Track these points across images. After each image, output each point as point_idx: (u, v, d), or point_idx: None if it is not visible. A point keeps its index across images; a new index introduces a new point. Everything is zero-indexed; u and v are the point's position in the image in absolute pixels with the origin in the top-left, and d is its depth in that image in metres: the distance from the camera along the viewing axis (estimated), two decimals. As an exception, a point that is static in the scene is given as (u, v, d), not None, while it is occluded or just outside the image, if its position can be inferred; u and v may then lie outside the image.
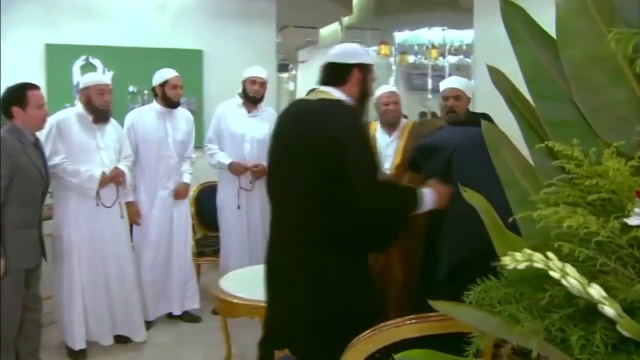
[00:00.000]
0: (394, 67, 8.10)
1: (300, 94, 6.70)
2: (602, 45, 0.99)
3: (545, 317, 0.90)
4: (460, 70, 8.07)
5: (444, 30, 7.06)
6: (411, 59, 7.62)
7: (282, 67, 7.31)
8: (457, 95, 3.45)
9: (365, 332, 1.61)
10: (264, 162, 4.43)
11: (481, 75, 4.80)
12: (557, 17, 1.03)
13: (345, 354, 1.62)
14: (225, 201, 4.45)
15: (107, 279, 3.67)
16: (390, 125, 4.13)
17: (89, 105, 3.61)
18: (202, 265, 4.75)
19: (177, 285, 4.17)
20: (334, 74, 2.23)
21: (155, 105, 4.13)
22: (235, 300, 3.07)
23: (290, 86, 7.94)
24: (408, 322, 1.62)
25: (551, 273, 0.84)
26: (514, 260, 0.85)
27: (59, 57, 5.10)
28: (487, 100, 4.24)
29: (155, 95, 4.13)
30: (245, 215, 4.42)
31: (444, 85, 3.60)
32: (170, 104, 4.10)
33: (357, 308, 2.03)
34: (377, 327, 1.60)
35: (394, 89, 4.63)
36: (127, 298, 3.76)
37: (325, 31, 7.58)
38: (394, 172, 4.02)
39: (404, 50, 7.53)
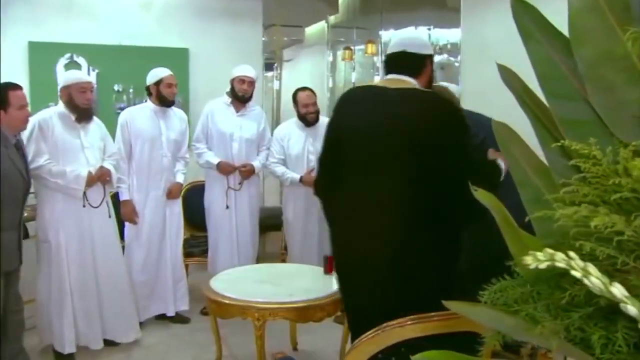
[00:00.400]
0: (378, 66, 8.10)
1: (286, 92, 6.65)
2: (616, 44, 0.98)
3: (564, 317, 0.89)
4: (444, 69, 8.11)
5: (429, 29, 7.07)
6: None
7: (267, 66, 7.27)
8: None
9: (368, 333, 1.59)
10: (252, 162, 4.41)
11: (468, 74, 4.82)
12: (569, 15, 1.02)
13: (348, 354, 1.61)
14: (214, 201, 4.42)
15: (97, 280, 3.61)
16: None
17: (70, 103, 3.53)
18: (188, 266, 4.70)
19: (169, 286, 4.13)
20: (410, 63, 2.26)
21: (149, 104, 4.10)
22: (227, 301, 3.05)
23: (275, 85, 7.89)
24: (410, 322, 1.60)
25: (573, 272, 0.83)
26: (536, 259, 0.84)
27: (42, 55, 5.01)
28: (474, 100, 4.27)
29: (150, 95, 4.09)
30: (234, 216, 4.40)
31: None
32: (165, 102, 4.07)
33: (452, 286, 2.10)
34: (380, 327, 1.59)
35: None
36: (119, 299, 3.71)
37: (311, 30, 7.55)
38: None
39: (390, 49, 7.52)
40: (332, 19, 6.84)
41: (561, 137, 1.05)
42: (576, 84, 1.02)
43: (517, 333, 0.93)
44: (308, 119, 4.39)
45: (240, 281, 3.35)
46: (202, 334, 3.97)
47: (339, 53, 7.58)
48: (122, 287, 3.74)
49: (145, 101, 4.26)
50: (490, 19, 4.51)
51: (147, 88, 4.10)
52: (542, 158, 1.10)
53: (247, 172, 4.37)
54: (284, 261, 4.88)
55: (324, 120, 4.61)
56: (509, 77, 1.15)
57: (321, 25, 7.05)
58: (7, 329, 3.16)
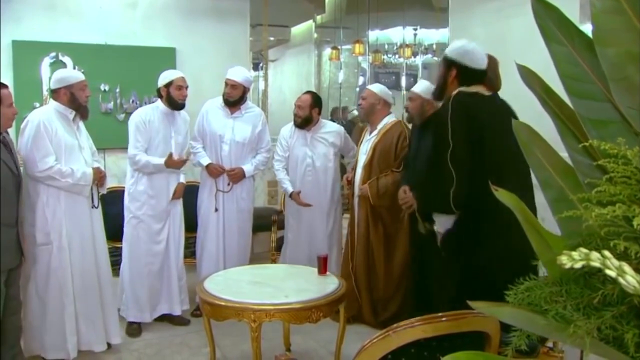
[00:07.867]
0: (364, 66, 8.14)
1: (273, 93, 6.64)
2: (639, 44, 0.99)
3: (596, 316, 0.89)
4: (427, 68, 8.19)
5: (415, 30, 7.12)
6: (384, 57, 7.68)
7: (253, 66, 7.25)
8: (410, 98, 3.88)
9: (378, 334, 1.59)
10: (243, 165, 4.32)
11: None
12: (592, 17, 1.03)
13: (357, 356, 1.60)
14: (204, 201, 4.38)
15: (99, 282, 3.56)
16: (365, 121, 4.28)
17: (73, 103, 3.46)
18: (178, 267, 4.66)
19: (175, 285, 4.12)
20: None
21: (160, 105, 4.06)
22: (222, 303, 3.01)
23: (261, 85, 7.88)
24: (420, 322, 1.60)
25: (607, 272, 0.84)
26: (571, 259, 0.84)
27: (26, 54, 4.90)
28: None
29: (160, 97, 4.05)
30: (222, 218, 4.34)
31: None
32: (175, 105, 4.03)
33: None
34: (390, 328, 1.58)
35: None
36: (111, 300, 3.67)
37: (297, 30, 7.54)
38: (363, 172, 4.04)
39: (376, 49, 7.56)
40: (318, 18, 6.84)
41: (584, 137, 1.05)
42: (600, 84, 1.03)
43: (548, 333, 0.93)
44: (295, 120, 4.42)
45: (235, 283, 3.32)
46: (194, 335, 3.94)
47: (325, 53, 7.59)
48: (110, 289, 3.69)
49: (153, 101, 4.22)
50: (478, 19, 4.54)
51: (158, 90, 4.06)
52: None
53: (235, 176, 4.30)
54: (273, 262, 4.85)
55: (330, 126, 4.59)
56: (528, 77, 1.15)
57: (307, 25, 7.05)
58: (5, 332, 3.09)
